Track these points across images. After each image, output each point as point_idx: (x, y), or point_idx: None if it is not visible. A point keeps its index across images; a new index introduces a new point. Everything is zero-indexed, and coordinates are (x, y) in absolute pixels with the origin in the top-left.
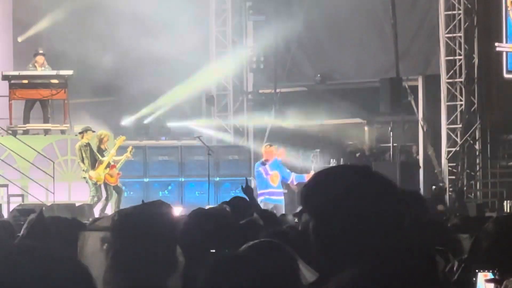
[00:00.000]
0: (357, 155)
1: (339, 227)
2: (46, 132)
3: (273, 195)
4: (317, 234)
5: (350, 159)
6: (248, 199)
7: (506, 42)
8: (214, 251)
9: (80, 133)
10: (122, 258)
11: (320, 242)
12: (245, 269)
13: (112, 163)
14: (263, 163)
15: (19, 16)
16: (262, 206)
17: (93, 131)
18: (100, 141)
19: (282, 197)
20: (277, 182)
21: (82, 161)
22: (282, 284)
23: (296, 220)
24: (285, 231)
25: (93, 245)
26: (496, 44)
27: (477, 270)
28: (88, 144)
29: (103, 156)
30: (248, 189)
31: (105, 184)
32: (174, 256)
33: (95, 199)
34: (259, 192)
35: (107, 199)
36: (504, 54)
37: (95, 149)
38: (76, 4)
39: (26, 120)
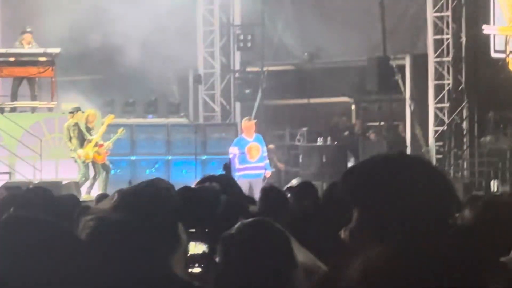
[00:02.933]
0: (345, 133)
1: (391, 216)
2: (34, 110)
3: (250, 170)
4: (366, 225)
5: (337, 138)
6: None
7: (494, 24)
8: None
9: (70, 112)
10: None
11: (370, 234)
12: (240, 247)
13: (100, 142)
14: (240, 139)
15: None
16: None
17: (82, 112)
18: (87, 119)
19: (261, 171)
20: (257, 156)
21: (70, 140)
22: (277, 263)
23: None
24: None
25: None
26: (484, 26)
27: None
28: (76, 124)
29: (90, 135)
30: (226, 167)
31: (93, 163)
32: (176, 234)
33: (83, 178)
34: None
35: (94, 178)
36: (492, 36)
37: (83, 128)
38: None
39: (14, 97)
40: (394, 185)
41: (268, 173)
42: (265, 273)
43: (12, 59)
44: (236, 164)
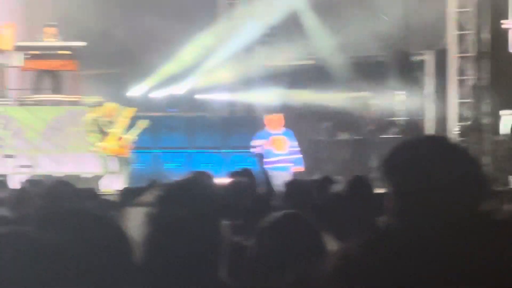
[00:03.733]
0: (367, 128)
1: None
2: (56, 103)
3: (276, 163)
4: (399, 201)
5: (359, 133)
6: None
7: None
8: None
9: (92, 106)
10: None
11: (402, 209)
12: (271, 240)
13: (122, 135)
14: (263, 132)
15: None
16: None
17: (104, 105)
18: (107, 113)
19: (288, 164)
20: (283, 149)
21: (91, 134)
22: (308, 255)
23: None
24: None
25: (137, 221)
26: (502, 21)
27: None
28: (96, 117)
29: (111, 128)
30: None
31: (117, 156)
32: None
33: (104, 171)
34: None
35: (118, 171)
36: (510, 31)
37: (103, 122)
38: None
39: (37, 90)
40: (428, 166)
41: (299, 168)
42: (296, 265)
43: (36, 52)
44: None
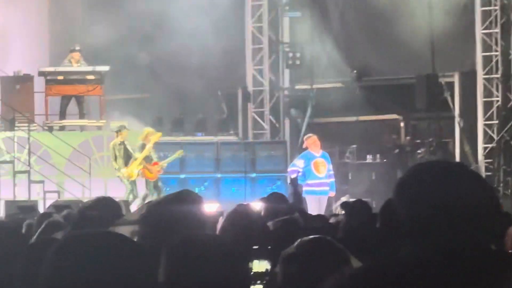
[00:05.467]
0: (395, 151)
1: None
2: (82, 128)
3: (317, 186)
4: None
5: (386, 155)
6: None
7: None
8: (257, 247)
9: (115, 131)
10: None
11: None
12: (299, 265)
13: (155, 160)
14: (307, 153)
15: (55, 12)
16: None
17: (128, 129)
18: (145, 137)
19: (327, 188)
20: (324, 172)
21: (115, 159)
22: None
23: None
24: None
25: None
26: None
27: None
28: (122, 143)
29: (137, 153)
30: (294, 181)
31: (146, 181)
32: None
33: (131, 196)
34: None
35: (145, 196)
36: None
37: (137, 146)
38: (113, 1)
39: (63, 116)
40: (442, 194)
41: (332, 193)
42: None
43: (60, 77)
44: (300, 180)
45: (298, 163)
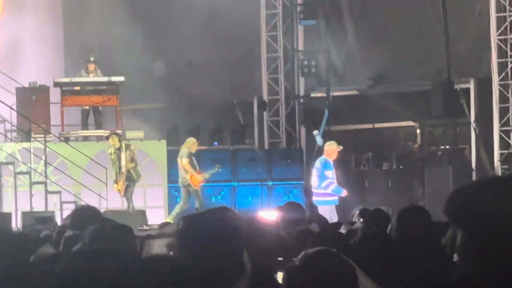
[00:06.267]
0: (412, 159)
1: (500, 242)
2: (99, 138)
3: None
4: (474, 250)
5: (403, 163)
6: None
7: None
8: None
9: (106, 137)
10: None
11: (478, 259)
12: (302, 278)
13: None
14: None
15: (69, 23)
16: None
17: (119, 135)
18: (191, 146)
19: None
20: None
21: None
22: None
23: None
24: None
25: (158, 252)
26: None
27: None
28: (116, 151)
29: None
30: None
31: (187, 189)
32: (241, 262)
33: (196, 203)
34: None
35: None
36: None
37: (186, 156)
38: (127, 10)
39: (85, 126)
40: (497, 209)
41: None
42: None
43: (77, 88)
44: (320, 188)
45: (329, 174)
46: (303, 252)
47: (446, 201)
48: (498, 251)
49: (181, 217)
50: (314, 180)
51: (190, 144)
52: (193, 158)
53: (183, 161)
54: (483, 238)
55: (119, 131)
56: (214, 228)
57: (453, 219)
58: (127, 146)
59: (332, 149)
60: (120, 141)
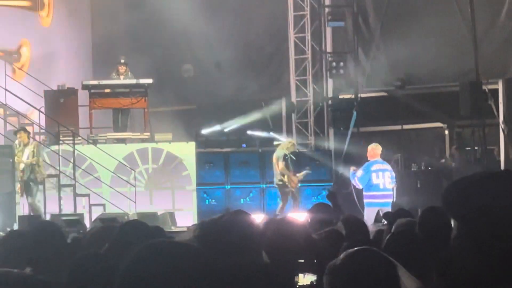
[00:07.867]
0: (441, 161)
1: (495, 234)
2: (127, 141)
3: (378, 198)
4: (469, 241)
5: (431, 164)
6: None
7: None
8: (302, 261)
9: (14, 133)
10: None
11: (473, 249)
12: (345, 278)
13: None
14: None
15: (97, 26)
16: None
17: (28, 132)
18: (290, 147)
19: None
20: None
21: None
22: None
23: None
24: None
25: None
26: None
27: None
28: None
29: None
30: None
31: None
32: (260, 264)
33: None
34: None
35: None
36: None
37: (282, 159)
38: (155, 12)
39: (116, 128)
40: (493, 201)
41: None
42: None
43: (107, 90)
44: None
45: (358, 173)
46: (344, 252)
47: (442, 193)
48: (493, 242)
49: (197, 223)
50: (388, 182)
51: (289, 145)
52: (287, 159)
53: (279, 165)
54: (478, 230)
55: (29, 128)
56: (228, 232)
57: (449, 211)
58: (35, 144)
59: (373, 150)
60: (28, 137)
